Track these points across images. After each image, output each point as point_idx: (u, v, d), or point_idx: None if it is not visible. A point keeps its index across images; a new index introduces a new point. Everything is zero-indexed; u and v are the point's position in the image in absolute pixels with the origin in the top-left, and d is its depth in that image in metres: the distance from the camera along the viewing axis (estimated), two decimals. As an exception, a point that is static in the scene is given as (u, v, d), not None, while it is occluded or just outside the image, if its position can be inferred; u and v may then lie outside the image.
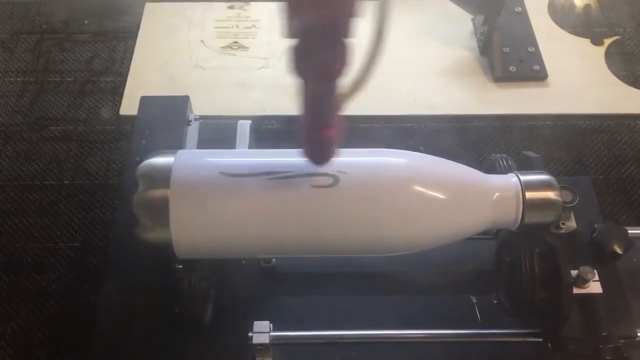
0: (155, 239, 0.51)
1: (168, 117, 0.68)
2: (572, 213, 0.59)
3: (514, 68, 0.89)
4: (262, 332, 0.55)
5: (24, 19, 0.96)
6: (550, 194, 0.52)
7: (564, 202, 0.55)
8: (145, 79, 0.89)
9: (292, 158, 0.52)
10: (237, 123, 0.69)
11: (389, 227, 0.51)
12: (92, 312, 0.60)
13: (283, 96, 0.86)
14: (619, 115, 0.85)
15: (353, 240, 0.52)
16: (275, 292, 0.63)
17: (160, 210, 0.49)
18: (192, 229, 0.50)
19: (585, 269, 0.55)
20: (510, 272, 0.56)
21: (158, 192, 0.50)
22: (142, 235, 0.51)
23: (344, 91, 0.45)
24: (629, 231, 0.61)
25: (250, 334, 0.55)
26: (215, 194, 0.50)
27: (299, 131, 0.47)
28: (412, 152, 0.54)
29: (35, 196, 0.77)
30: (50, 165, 0.80)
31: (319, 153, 0.48)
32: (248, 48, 0.93)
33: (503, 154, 0.59)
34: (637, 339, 0.56)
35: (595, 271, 0.55)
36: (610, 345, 0.54)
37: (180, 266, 0.54)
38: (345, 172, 0.50)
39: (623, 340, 0.55)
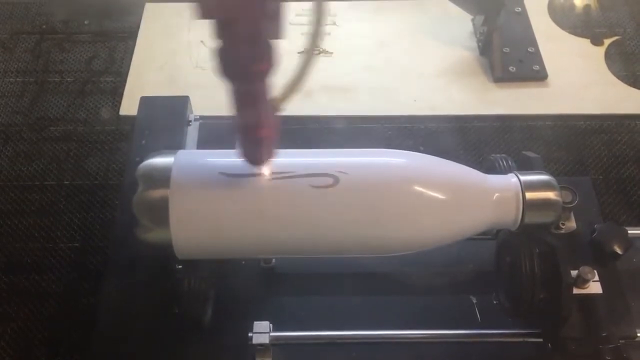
0: (155, 239, 0.51)
1: (168, 118, 0.68)
2: (572, 213, 0.59)
3: (514, 68, 0.89)
4: (262, 332, 0.55)
5: (23, 19, 0.96)
6: (550, 194, 0.52)
7: (563, 202, 0.55)
8: (145, 79, 0.89)
9: (292, 158, 0.52)
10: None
11: (388, 227, 0.51)
12: (92, 312, 0.60)
13: (283, 96, 0.86)
14: (619, 116, 0.85)
15: (353, 240, 0.52)
16: (275, 292, 0.63)
17: (160, 211, 0.49)
18: (191, 229, 0.50)
19: (585, 269, 0.55)
20: (510, 272, 0.56)
21: (158, 193, 0.50)
22: (142, 236, 0.51)
23: (280, 93, 0.45)
24: (629, 231, 0.61)
25: (250, 334, 0.55)
26: (215, 195, 0.50)
27: (235, 133, 0.47)
28: (412, 152, 0.54)
29: (35, 196, 0.77)
30: (50, 165, 0.80)
31: (254, 154, 0.49)
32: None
33: (503, 154, 0.59)
34: (637, 339, 0.56)
35: (595, 271, 0.55)
36: (610, 346, 0.54)
37: (180, 266, 0.54)
38: (345, 173, 0.50)
39: (623, 341, 0.55)
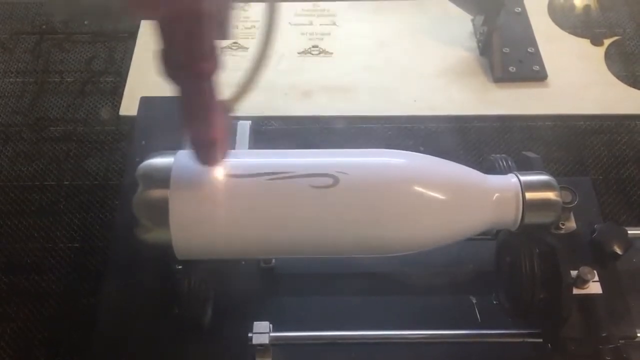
0: (155, 240, 0.51)
1: (168, 118, 0.67)
2: (572, 213, 0.59)
3: (514, 68, 0.89)
4: (261, 332, 0.55)
5: (23, 19, 0.96)
6: (550, 195, 0.52)
7: (563, 202, 0.55)
8: (145, 79, 0.89)
9: (292, 158, 0.52)
10: (236, 123, 0.69)
11: (388, 227, 0.51)
12: (92, 312, 0.60)
13: (283, 97, 0.86)
14: (619, 116, 0.85)
15: (353, 240, 0.52)
16: (275, 292, 0.63)
17: (160, 211, 0.49)
18: (191, 230, 0.50)
19: (585, 269, 0.55)
20: (510, 272, 0.56)
21: (158, 193, 0.50)
22: (142, 236, 0.51)
23: (232, 93, 0.45)
24: (629, 232, 0.61)
25: (250, 335, 0.55)
26: (215, 195, 0.50)
27: (184, 134, 0.47)
28: (412, 152, 0.54)
29: (34, 197, 0.77)
30: (50, 165, 0.80)
31: (204, 154, 0.49)
32: (248, 48, 0.92)
33: (503, 155, 0.59)
34: (637, 339, 0.56)
35: (595, 272, 0.55)
36: (610, 346, 0.54)
37: (180, 267, 0.54)
38: (345, 173, 0.50)
39: (623, 341, 0.55)
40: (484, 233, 0.55)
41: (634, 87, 0.88)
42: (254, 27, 0.95)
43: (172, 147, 0.55)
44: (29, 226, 0.75)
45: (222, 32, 0.40)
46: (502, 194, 0.52)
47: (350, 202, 0.50)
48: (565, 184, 0.57)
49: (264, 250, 0.54)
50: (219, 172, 0.50)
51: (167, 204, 0.49)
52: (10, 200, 0.77)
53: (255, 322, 0.56)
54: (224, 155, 0.49)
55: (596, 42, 0.94)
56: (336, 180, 0.50)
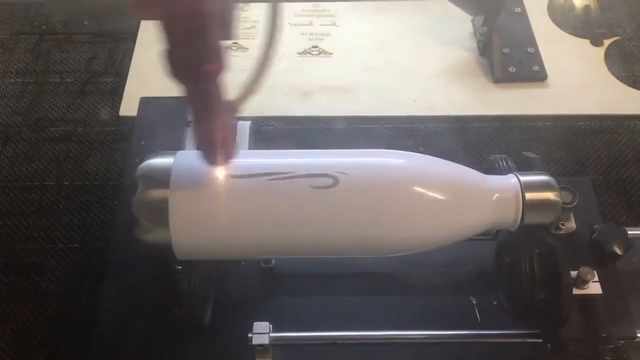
0: (155, 240, 0.51)
1: (168, 118, 0.68)
2: (571, 214, 0.59)
3: (514, 69, 0.89)
4: (261, 332, 0.55)
5: (23, 19, 0.96)
6: (550, 195, 0.52)
7: (563, 202, 0.55)
8: (145, 80, 0.89)
9: (291, 159, 0.52)
10: (236, 124, 0.69)
11: (388, 228, 0.51)
12: (91, 313, 0.60)
13: (283, 97, 0.86)
14: (619, 116, 0.85)
15: (353, 241, 0.52)
16: (274, 292, 0.63)
17: (159, 211, 0.49)
18: (191, 230, 0.50)
19: (585, 269, 0.55)
20: (510, 272, 0.56)
21: (157, 193, 0.50)
22: (142, 236, 0.51)
23: (238, 93, 0.45)
24: (629, 232, 0.61)
25: (250, 335, 0.55)
26: (214, 195, 0.50)
27: (193, 133, 0.48)
28: (412, 152, 0.54)
29: (34, 197, 0.77)
30: (50, 166, 0.80)
31: (211, 154, 0.49)
32: (248, 49, 0.92)
33: (503, 155, 0.59)
34: (636, 339, 0.56)
35: (594, 272, 0.55)
36: (610, 346, 0.54)
37: (180, 267, 0.54)
38: (345, 173, 0.50)
39: (623, 341, 0.55)
40: (483, 233, 0.55)
41: (634, 87, 0.88)
42: (254, 27, 0.95)
43: (171, 148, 0.55)
44: (28, 226, 0.75)
45: (226, 32, 0.40)
46: (502, 194, 0.52)
47: (350, 203, 0.50)
48: (565, 184, 0.57)
49: (263, 251, 0.54)
50: (219, 173, 0.50)
51: (167, 204, 0.49)
52: (10, 200, 0.77)
53: (255, 322, 0.55)
54: (231, 155, 0.49)
55: (596, 42, 0.94)
56: (336, 181, 0.50)
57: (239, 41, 0.93)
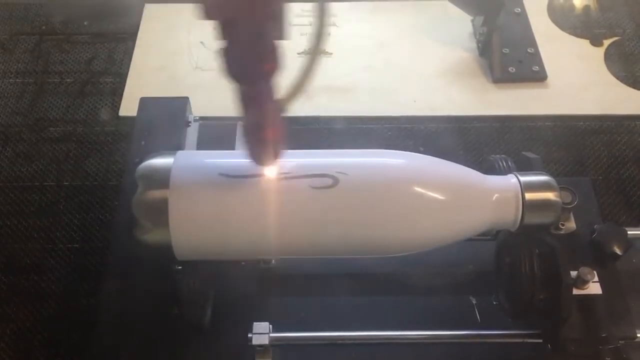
0: (155, 240, 0.51)
1: (167, 119, 0.68)
2: (571, 214, 0.59)
3: (514, 69, 0.89)
4: (261, 333, 0.55)
5: (23, 20, 0.96)
6: (550, 195, 0.52)
7: (563, 203, 0.55)
8: (145, 80, 0.89)
9: (291, 159, 0.52)
10: (236, 124, 0.69)
11: (388, 228, 0.51)
12: (91, 313, 0.60)
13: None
14: (619, 116, 0.85)
15: (352, 241, 0.52)
16: (274, 293, 0.63)
17: (159, 212, 0.49)
18: (191, 231, 0.50)
19: (585, 269, 0.55)
20: (510, 273, 0.56)
21: (157, 193, 0.50)
22: (142, 237, 0.51)
23: (285, 93, 0.45)
24: (629, 232, 0.61)
25: (249, 335, 0.55)
26: (214, 196, 0.50)
27: (242, 133, 0.47)
28: (412, 153, 0.54)
29: (34, 197, 0.77)
30: (50, 166, 0.80)
31: (261, 154, 0.49)
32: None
33: (502, 155, 0.59)
34: (636, 339, 0.56)
35: (594, 272, 0.55)
36: (610, 346, 0.54)
37: (180, 267, 0.54)
38: (345, 173, 0.50)
39: (623, 341, 0.55)
40: (483, 233, 0.55)
41: (634, 87, 0.88)
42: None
43: (171, 148, 0.55)
44: (28, 227, 0.75)
45: (281, 32, 0.41)
46: (501, 194, 0.52)
47: (350, 203, 0.50)
48: (565, 185, 0.57)
49: (263, 251, 0.54)
50: (219, 173, 0.50)
51: (167, 205, 0.49)
52: (10, 200, 0.77)
53: (255, 323, 0.55)
54: (279, 155, 0.49)
55: (596, 42, 0.94)
56: (336, 181, 0.50)
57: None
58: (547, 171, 0.55)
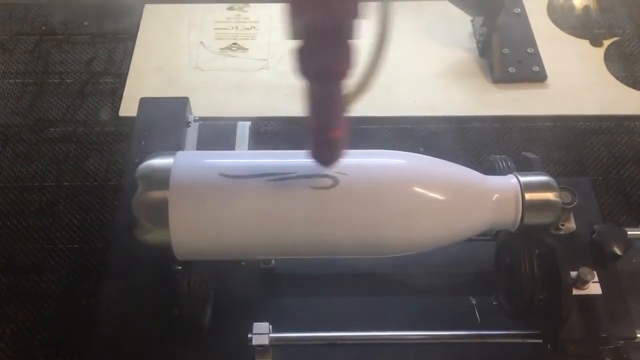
0: (155, 241, 0.51)
1: (167, 119, 0.68)
2: (571, 214, 0.59)
3: (513, 69, 0.89)
4: (261, 333, 0.55)
5: (23, 20, 0.96)
6: (550, 195, 0.52)
7: (563, 203, 0.55)
8: (145, 80, 0.89)
9: (291, 159, 0.52)
10: (236, 124, 0.69)
11: (388, 228, 0.51)
12: (91, 313, 0.60)
13: (282, 97, 0.86)
14: (618, 117, 0.85)
15: (352, 241, 0.52)
16: (274, 293, 0.63)
17: (159, 212, 0.49)
18: (191, 231, 0.50)
19: (585, 270, 0.55)
20: (510, 273, 0.56)
21: (157, 194, 0.50)
22: (141, 237, 0.51)
23: (348, 92, 0.45)
24: (629, 232, 0.61)
25: (249, 335, 0.55)
26: (214, 196, 0.50)
27: (306, 133, 0.47)
28: (412, 153, 0.54)
29: (34, 197, 0.77)
30: (50, 166, 0.80)
31: (326, 154, 0.48)
32: (247, 49, 0.93)
33: (502, 155, 0.59)
34: (636, 340, 0.56)
35: (594, 272, 0.55)
36: (610, 347, 0.54)
37: (180, 267, 0.54)
38: (344, 174, 0.50)
39: (622, 342, 0.55)
40: (483, 234, 0.55)
41: (634, 87, 0.88)
42: (254, 27, 0.95)
43: (171, 148, 0.55)
44: (28, 227, 0.75)
45: (356, 31, 0.41)
46: (501, 194, 0.52)
47: (350, 203, 0.50)
48: (565, 185, 0.57)
49: (263, 251, 0.54)
50: (219, 173, 0.50)
51: (167, 205, 0.49)
52: (10, 201, 0.77)
53: (255, 323, 0.56)
54: (342, 155, 0.49)
55: (596, 42, 0.94)
56: (336, 181, 0.50)
57: (238, 42, 0.93)
58: (547, 171, 0.55)
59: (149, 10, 0.97)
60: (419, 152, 0.56)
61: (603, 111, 0.86)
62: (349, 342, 0.58)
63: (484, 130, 0.84)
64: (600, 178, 0.80)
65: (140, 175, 0.51)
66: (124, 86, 0.88)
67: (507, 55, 0.90)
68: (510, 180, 0.53)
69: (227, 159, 0.54)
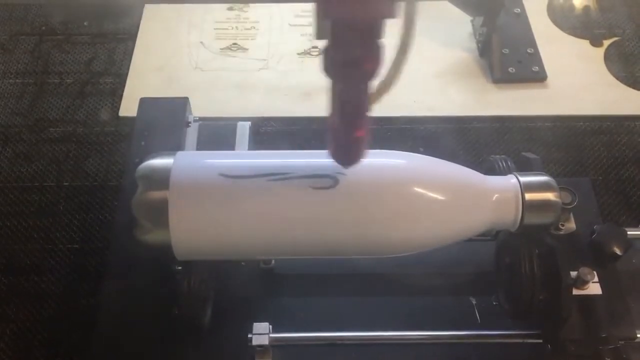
0: (155, 241, 0.51)
1: (167, 119, 0.68)
2: (571, 214, 0.59)
3: (513, 69, 0.89)
4: (261, 333, 0.55)
5: (23, 20, 0.96)
6: (550, 195, 0.52)
7: (563, 203, 0.55)
8: (145, 80, 0.89)
9: (291, 159, 0.52)
10: (236, 124, 0.69)
11: (388, 228, 0.51)
12: (91, 313, 0.60)
13: (282, 98, 0.86)
14: (618, 117, 0.85)
15: (353, 241, 0.52)
16: (275, 293, 0.63)
17: (159, 212, 0.49)
18: (191, 231, 0.50)
19: (585, 270, 0.55)
20: (510, 273, 0.56)
21: (157, 194, 0.50)
22: (141, 237, 0.51)
23: (372, 92, 0.45)
24: (629, 232, 0.61)
25: (249, 336, 0.55)
26: (214, 196, 0.50)
27: (328, 132, 0.47)
28: (412, 153, 0.54)
29: (34, 198, 0.77)
30: (50, 166, 0.80)
31: (348, 154, 0.48)
32: (247, 49, 0.93)
33: (502, 155, 0.59)
34: (636, 340, 0.56)
35: (594, 272, 0.55)
36: (610, 347, 0.54)
37: (180, 268, 0.54)
38: (344, 174, 0.50)
39: (622, 342, 0.55)
40: (483, 234, 0.55)
41: (634, 87, 0.89)
42: (254, 27, 0.95)
43: (171, 148, 0.55)
44: (28, 227, 0.75)
45: (382, 31, 0.40)
46: (501, 194, 0.52)
47: (350, 203, 0.50)
48: (565, 185, 0.57)
49: (263, 251, 0.54)
50: (219, 173, 0.50)
51: (167, 205, 0.49)
52: (10, 201, 0.77)
53: (255, 323, 0.56)
54: (363, 155, 0.48)
55: (596, 42, 0.94)
56: (335, 181, 0.50)
57: (238, 42, 0.93)
58: (547, 171, 0.55)
59: (149, 10, 0.97)
60: (419, 152, 0.56)
61: (603, 111, 0.86)
62: (349, 342, 0.58)
63: (483, 130, 0.84)
64: (600, 178, 0.80)
65: (140, 175, 0.51)
66: (124, 86, 0.88)
67: (507, 56, 0.90)
68: (510, 181, 0.53)
69: (227, 159, 0.54)
